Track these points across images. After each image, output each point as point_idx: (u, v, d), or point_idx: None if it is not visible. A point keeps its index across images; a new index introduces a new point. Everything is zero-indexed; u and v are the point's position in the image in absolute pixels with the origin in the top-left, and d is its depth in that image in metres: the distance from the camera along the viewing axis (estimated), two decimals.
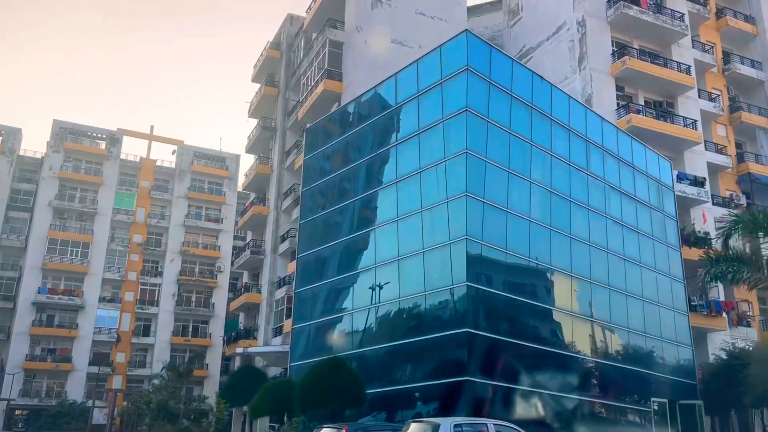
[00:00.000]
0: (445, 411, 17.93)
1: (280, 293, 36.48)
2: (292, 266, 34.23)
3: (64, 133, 57.07)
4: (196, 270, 60.00)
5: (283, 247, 37.32)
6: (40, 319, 52.50)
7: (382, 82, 24.51)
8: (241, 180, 64.85)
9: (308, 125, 31.01)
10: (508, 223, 20.57)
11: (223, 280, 60.19)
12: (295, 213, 34.57)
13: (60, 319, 53.39)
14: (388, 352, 21.19)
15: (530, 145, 21.97)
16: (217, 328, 58.08)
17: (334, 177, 26.14)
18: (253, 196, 44.29)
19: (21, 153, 58.07)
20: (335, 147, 26.77)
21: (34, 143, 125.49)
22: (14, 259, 55.59)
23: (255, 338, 37.80)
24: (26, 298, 52.09)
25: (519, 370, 19.64)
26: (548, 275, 21.94)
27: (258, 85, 45.26)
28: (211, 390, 54.46)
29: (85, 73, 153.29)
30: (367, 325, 22.14)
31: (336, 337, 23.32)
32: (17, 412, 50.89)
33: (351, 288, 23.39)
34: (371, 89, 25.23)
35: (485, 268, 19.78)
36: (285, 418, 20.95)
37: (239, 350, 33.17)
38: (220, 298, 59.41)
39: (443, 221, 19.96)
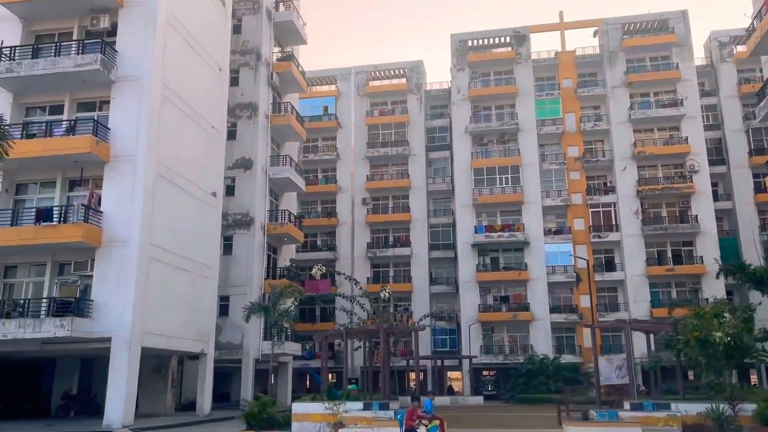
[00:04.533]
0: None
1: None
2: None
3: (465, 48, 48.34)
4: (659, 176, 43.99)
5: None
6: (484, 263, 44.26)
7: None
8: (696, 48, 46.24)
9: None
10: None
11: (701, 181, 42.66)
12: None
13: (505, 261, 44.31)
14: None
15: None
16: (707, 248, 41.01)
17: None
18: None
19: (427, 88, 52.09)
20: None
21: (438, 76, 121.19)
22: (444, 203, 49.45)
23: None
24: (464, 241, 44.58)
25: None
26: None
27: None
28: None
29: None
30: None
31: None
32: (484, 373, 43.71)
33: None
34: None
35: None
36: None
37: None
38: (702, 206, 42.21)
39: None
